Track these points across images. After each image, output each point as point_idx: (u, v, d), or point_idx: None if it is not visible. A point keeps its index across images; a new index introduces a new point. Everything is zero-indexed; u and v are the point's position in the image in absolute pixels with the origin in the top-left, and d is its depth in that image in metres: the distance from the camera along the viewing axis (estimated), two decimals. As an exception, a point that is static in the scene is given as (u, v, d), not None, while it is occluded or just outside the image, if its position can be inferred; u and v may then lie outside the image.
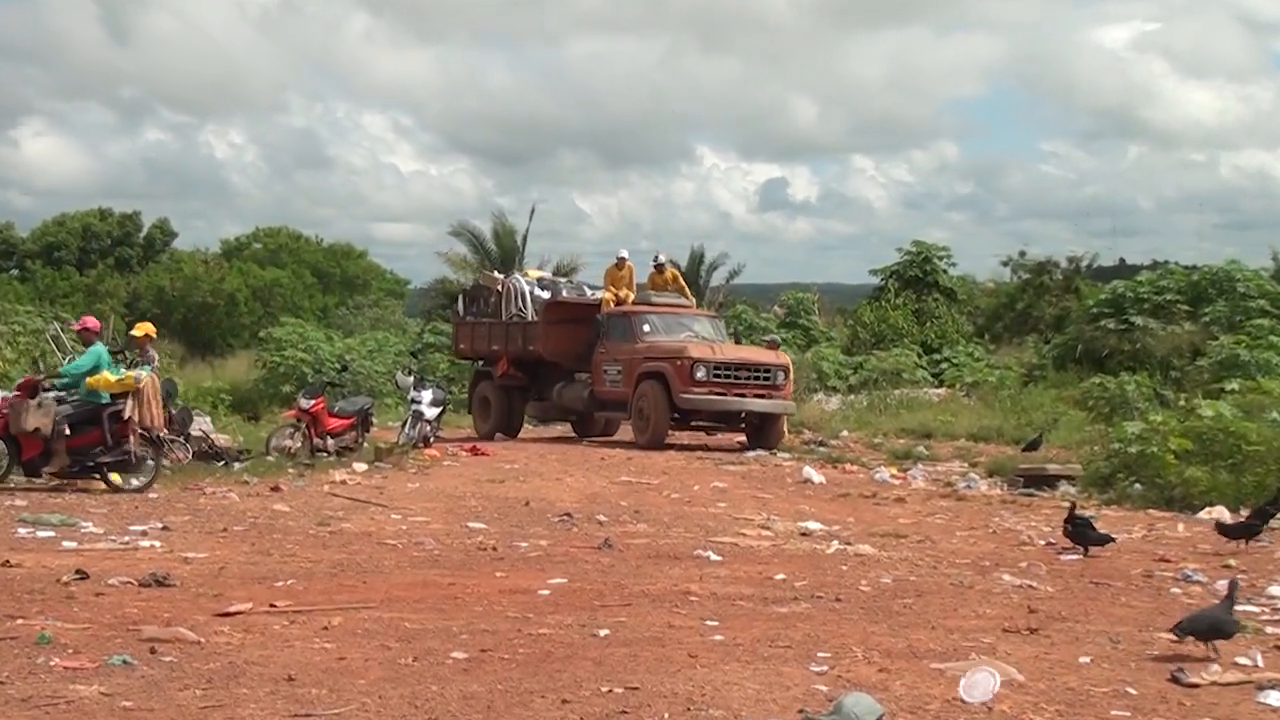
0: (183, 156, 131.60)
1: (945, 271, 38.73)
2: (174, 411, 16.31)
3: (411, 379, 19.65)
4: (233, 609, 7.38)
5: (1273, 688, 6.04)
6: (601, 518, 12.22)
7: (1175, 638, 6.82)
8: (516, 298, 21.89)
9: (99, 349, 13.72)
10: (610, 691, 5.71)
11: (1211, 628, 6.74)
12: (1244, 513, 12.12)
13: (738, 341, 21.70)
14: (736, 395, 19.07)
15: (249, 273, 55.01)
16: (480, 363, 22.84)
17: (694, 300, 22.12)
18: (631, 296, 21.07)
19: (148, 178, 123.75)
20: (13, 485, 13.28)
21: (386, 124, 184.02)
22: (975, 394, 27.51)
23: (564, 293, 22.12)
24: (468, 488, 14.30)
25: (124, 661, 6.10)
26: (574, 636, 6.95)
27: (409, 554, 9.92)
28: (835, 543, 10.98)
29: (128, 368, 14.05)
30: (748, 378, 19.21)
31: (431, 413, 18.64)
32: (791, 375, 20.08)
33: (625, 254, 21.76)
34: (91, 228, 57.73)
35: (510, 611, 7.62)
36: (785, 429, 19.98)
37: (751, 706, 5.52)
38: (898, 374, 30.21)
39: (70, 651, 6.30)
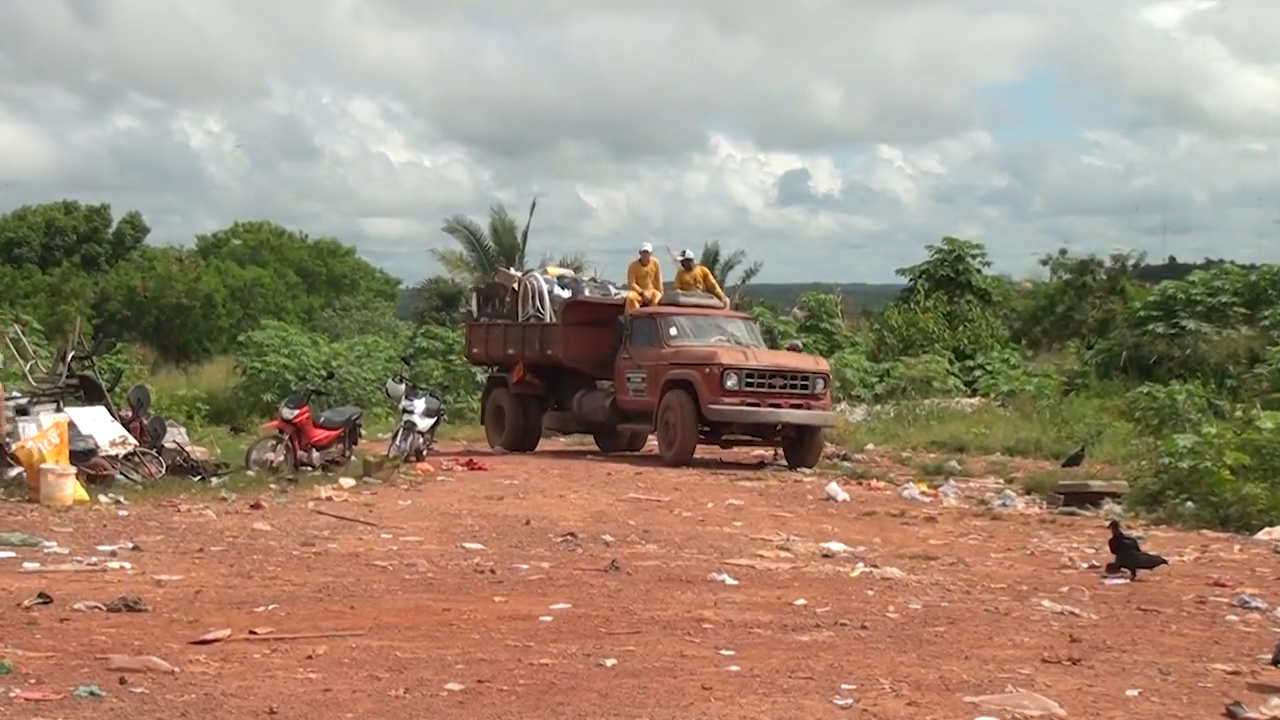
0: (155, 145, 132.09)
1: (979, 271, 38.72)
2: (146, 422, 16.34)
3: (403, 387, 19.66)
4: (209, 636, 7.38)
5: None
6: (608, 538, 12.21)
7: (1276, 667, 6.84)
8: (534, 297, 21.62)
9: None
10: (617, 727, 5.70)
11: None
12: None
13: (773, 346, 21.33)
14: (771, 405, 18.74)
15: (227, 272, 55.14)
16: (495, 368, 22.63)
17: (726, 300, 21.87)
18: (658, 296, 20.74)
19: (117, 168, 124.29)
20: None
21: (376, 111, 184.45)
22: (1011, 404, 27.47)
23: (586, 292, 21.80)
24: (464, 505, 14.29)
25: (91, 693, 6.09)
26: (578, 666, 6.94)
27: (400, 577, 9.90)
28: (860, 565, 10.95)
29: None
30: (783, 386, 18.90)
31: (425, 423, 18.64)
32: (830, 383, 19.75)
33: (650, 247, 21.43)
34: (55, 223, 57.88)
35: (509, 639, 7.61)
36: (823, 443, 19.69)
37: (770, 743, 5.50)
38: (927, 382, 30.18)
39: (32, 682, 6.29)
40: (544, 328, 21.24)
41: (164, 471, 15.55)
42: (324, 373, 26.64)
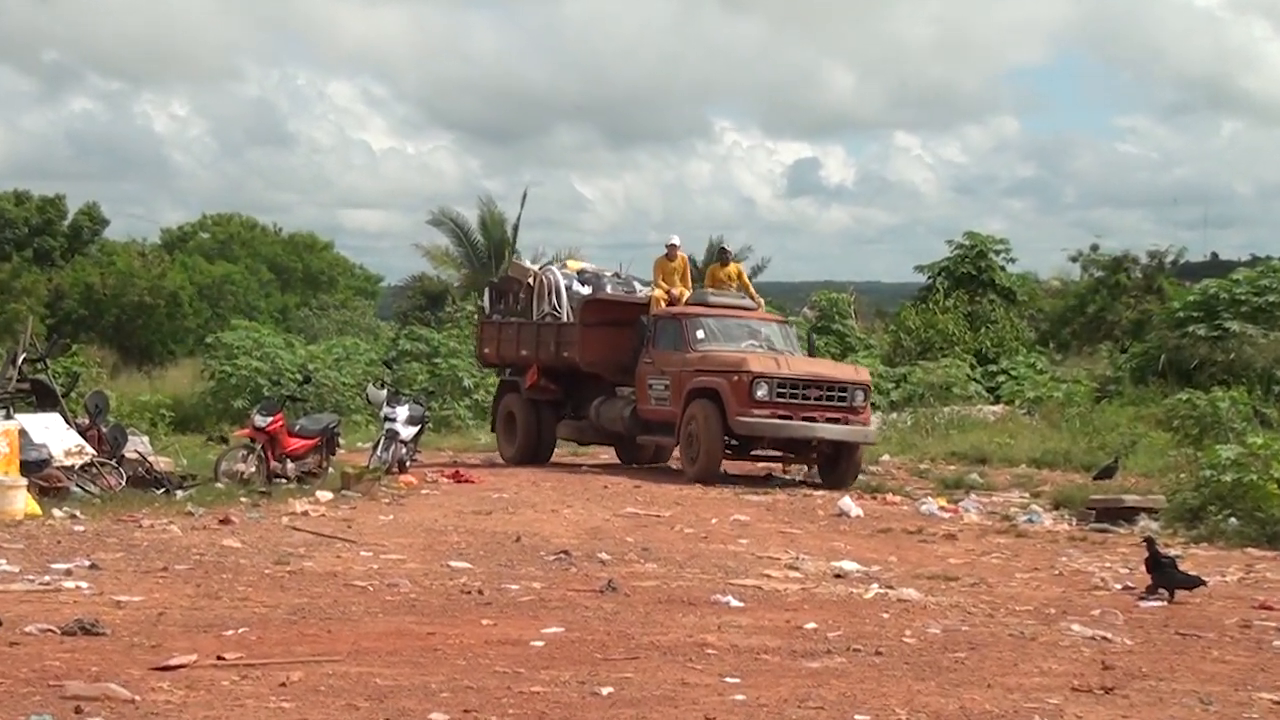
0: (115, 131, 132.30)
1: (1003, 268, 38.73)
2: (104, 430, 16.33)
3: (385, 393, 19.64)
4: (173, 662, 7.37)
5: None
6: (604, 556, 12.21)
7: None
8: (550, 293, 21.23)
9: None
10: (614, 761, 5.69)
11: None
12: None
13: (811, 353, 20.80)
14: (805, 419, 18.30)
15: (194, 267, 55.12)
16: (507, 371, 22.33)
17: (761, 301, 21.42)
18: (686, 294, 20.37)
19: (73, 155, 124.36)
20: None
21: (355, 94, 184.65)
22: (1038, 412, 27.45)
23: (608, 289, 21.41)
24: (449, 520, 14.29)
25: (45, 723, 6.08)
26: (572, 695, 6.94)
27: (381, 598, 9.89)
28: (875, 586, 10.96)
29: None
30: (819, 397, 18.50)
31: (408, 432, 18.64)
32: (871, 395, 19.33)
33: (677, 241, 21.07)
34: (5, 213, 57.77)
35: (498, 665, 7.61)
36: (862, 461, 19.20)
37: (779, 780, 5.50)
38: (947, 388, 30.17)
39: (-16, 711, 6.28)
40: (560, 327, 20.88)
41: (124, 483, 15.54)
42: (299, 377, 26.55)
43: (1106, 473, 18.28)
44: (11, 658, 7.47)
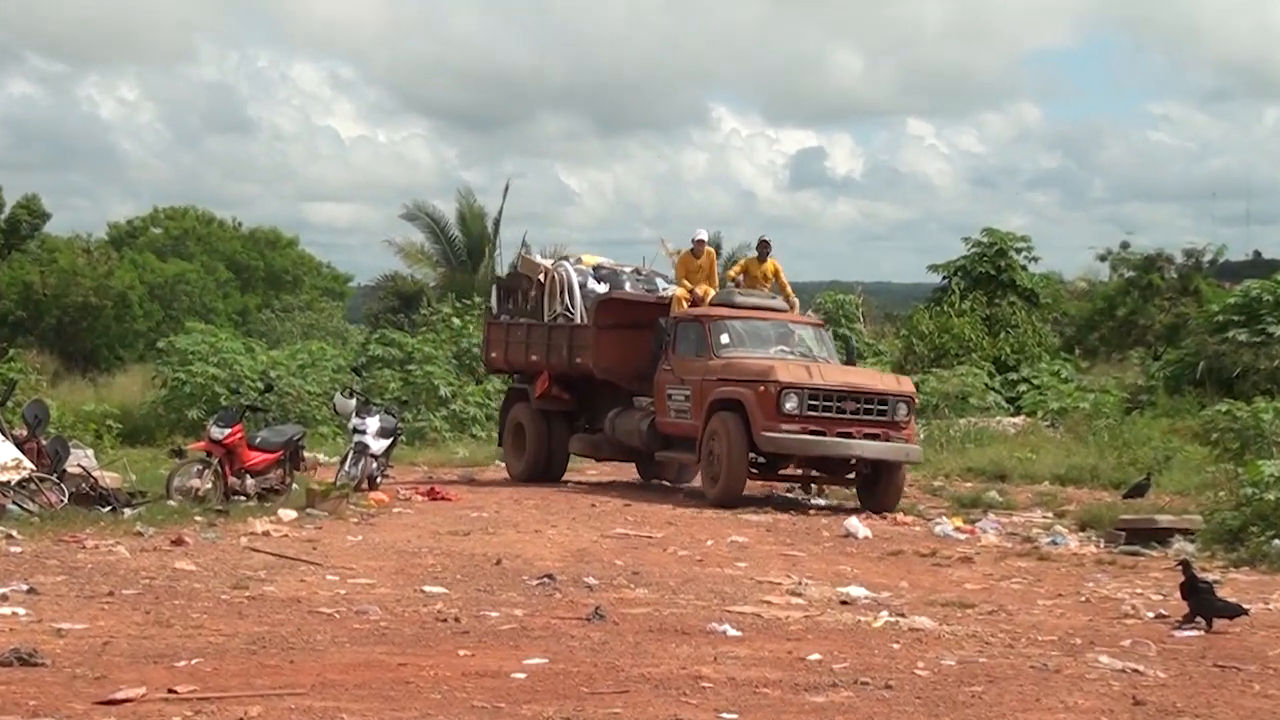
0: (57, 116, 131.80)
1: (1025, 268, 38.75)
2: (44, 442, 16.28)
3: (354, 402, 19.62)
4: (120, 695, 7.36)
5: None
6: (591, 580, 12.21)
7: None
8: (562, 292, 20.85)
9: None
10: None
11: None
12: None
13: (850, 361, 20.22)
14: (840, 434, 17.80)
15: (145, 265, 55.06)
16: (515, 378, 22.14)
17: (796, 302, 20.83)
18: (712, 293, 20.05)
19: (11, 143, 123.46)
20: None
21: (321, 76, 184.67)
22: (1063, 424, 27.50)
23: (627, 286, 21.07)
24: (424, 541, 14.29)
25: (-18, 763, 6.07)
26: (555, 733, 6.92)
27: (348, 626, 9.89)
28: (884, 614, 10.96)
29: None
30: (856, 410, 18.00)
31: (378, 445, 18.63)
32: (915, 408, 19.03)
33: (704, 235, 20.84)
34: (-66, 207, 57.77)
35: (476, 699, 7.61)
36: (905, 482, 18.75)
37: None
38: (964, 398, 30.22)
39: (-86, 750, 6.27)
40: (573, 329, 20.52)
41: (66, 501, 15.50)
42: (260, 385, 26.57)
43: (1138, 490, 18.30)
44: (-56, 691, 7.46)
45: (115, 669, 8.15)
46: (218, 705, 7.28)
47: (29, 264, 53.12)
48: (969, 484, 21.16)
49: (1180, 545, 14.98)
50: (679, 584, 12.24)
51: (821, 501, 19.39)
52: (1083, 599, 12.15)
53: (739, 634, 9.95)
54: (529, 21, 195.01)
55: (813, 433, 17.79)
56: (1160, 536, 15.33)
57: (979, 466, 22.68)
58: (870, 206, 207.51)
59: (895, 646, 9.64)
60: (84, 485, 16.01)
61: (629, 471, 22.11)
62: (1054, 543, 15.53)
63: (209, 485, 16.55)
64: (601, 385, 20.47)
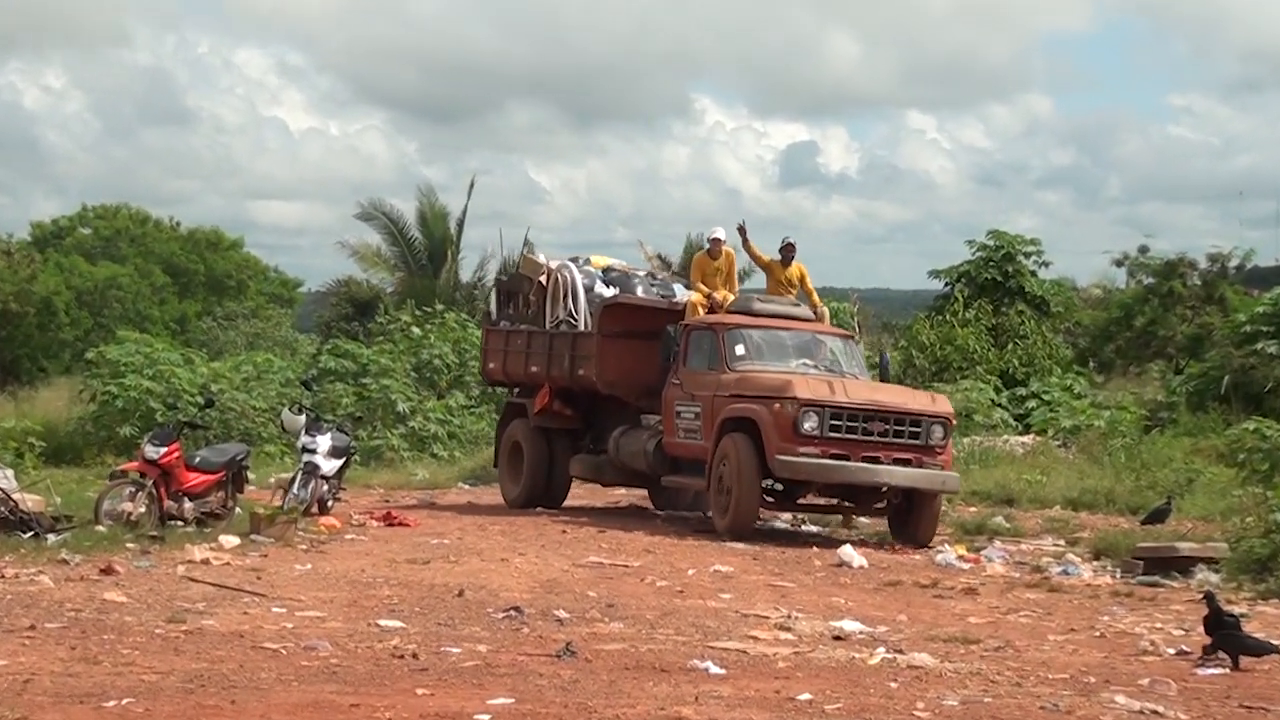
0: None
1: (1034, 274, 38.85)
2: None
3: (303, 419, 19.58)
4: (46, 739, 7.32)
5: None
6: (561, 614, 12.21)
7: None
8: (566, 296, 20.54)
9: None
10: None
11: None
12: None
13: (884, 378, 20.06)
14: (866, 459, 17.40)
15: (72, 269, 54.93)
16: (515, 391, 21.84)
17: (825, 310, 20.60)
18: (730, 299, 19.72)
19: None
20: None
21: (268, 63, 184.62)
22: (1076, 444, 27.55)
23: (639, 290, 20.71)
24: (379, 571, 14.28)
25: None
26: (521, 780, 6.91)
27: (296, 663, 9.86)
28: (881, 650, 10.97)
29: None
30: (885, 432, 17.59)
31: (330, 465, 18.60)
32: (953, 430, 18.69)
33: (721, 234, 20.32)
34: None
35: (433, 745, 7.58)
36: (940, 513, 18.37)
37: None
38: (968, 415, 30.22)
39: None
40: (576, 337, 20.20)
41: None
42: (200, 400, 26.48)
43: (1157, 516, 18.32)
44: None
45: (38, 709, 8.11)
46: (152, 750, 7.25)
47: (-59, 268, 53.04)
48: (973, 508, 21.17)
49: (1204, 575, 15.03)
50: (657, 617, 12.23)
51: (814, 528, 19.40)
52: (1097, 634, 12.17)
53: (722, 672, 9.93)
54: (495, 3, 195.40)
55: (835, 457, 17.36)
56: (1182, 566, 15.38)
57: (984, 489, 22.69)
58: (867, 206, 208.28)
59: (893, 685, 9.64)
60: (3, 509, 15.94)
61: (640, 498, 21.95)
62: (1066, 573, 15.57)
63: (142, 509, 16.50)
64: (608, 401, 20.21)
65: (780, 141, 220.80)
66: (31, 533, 15.43)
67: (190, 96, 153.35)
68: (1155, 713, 8.96)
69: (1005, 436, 29.39)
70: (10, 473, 17.89)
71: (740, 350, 18.49)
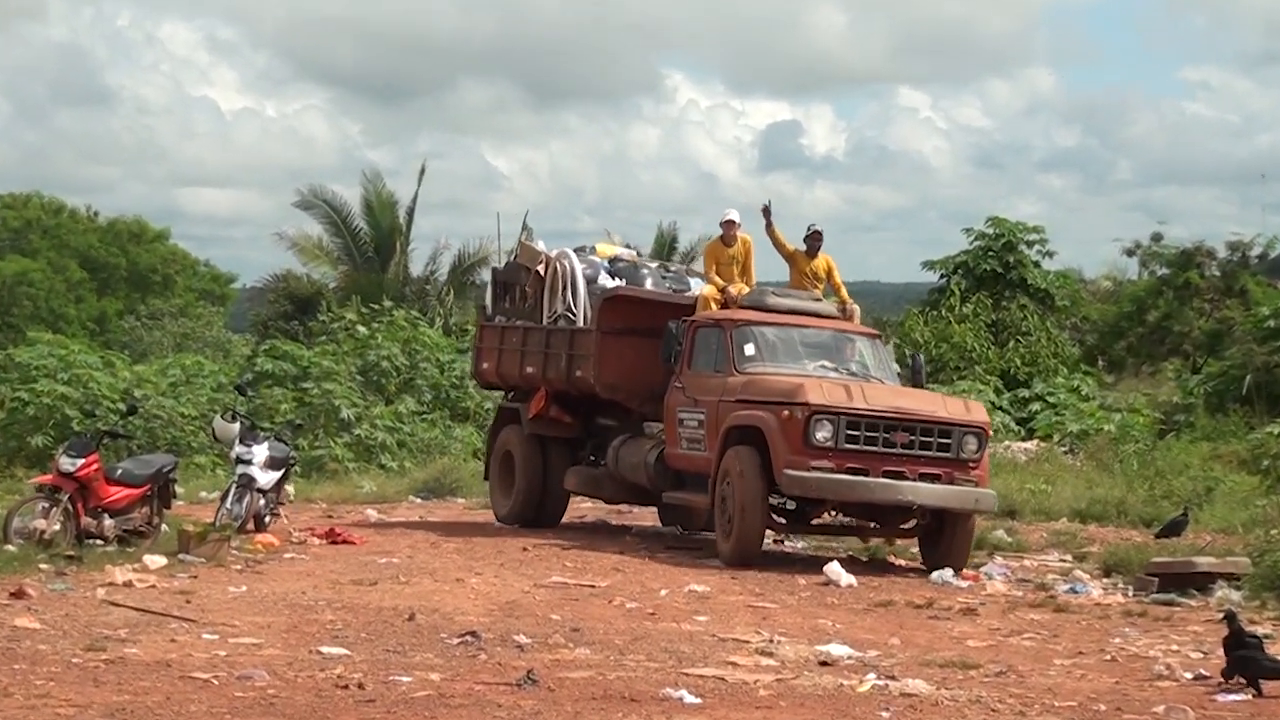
0: None
1: (1038, 265, 39.01)
2: None
3: (237, 427, 19.52)
4: (-48, 781, 7.30)
5: None
6: (522, 639, 12.20)
7: None
8: (565, 288, 20.13)
9: None
10: None
11: None
12: None
13: (916, 382, 19.17)
14: (888, 474, 16.82)
15: (-21, 264, 54.84)
16: (509, 394, 21.53)
17: (855, 308, 19.79)
18: (744, 290, 19.07)
19: None
20: None
21: (197, 38, 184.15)
22: (1084, 450, 27.64)
23: (648, 283, 20.33)
24: (322, 593, 14.27)
25: None
26: (477, 821, 6.91)
27: (228, 694, 9.84)
28: (871, 676, 10.98)
29: None
30: (910, 444, 16.98)
31: (267, 478, 18.54)
32: (988, 441, 17.97)
33: (736, 216, 19.55)
34: None
35: (380, 783, 7.58)
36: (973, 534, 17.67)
37: None
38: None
39: None
40: (574, 334, 19.77)
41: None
42: (122, 407, 26.39)
43: (1173, 528, 18.37)
44: None
45: (-56, 748, 8.08)
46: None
47: None
48: (973, 521, 21.22)
49: (1224, 593, 15.07)
50: (627, 642, 12.24)
51: (800, 544, 19.38)
52: (1107, 657, 12.20)
53: (698, 701, 9.95)
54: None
55: (851, 471, 16.77)
56: (1200, 583, 15.41)
57: (984, 500, 22.76)
58: (855, 191, 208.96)
59: (884, 715, 9.67)
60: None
61: (648, 516, 21.59)
62: (1073, 591, 15.60)
63: (57, 526, 16.42)
64: (609, 406, 19.85)
65: (760, 121, 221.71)
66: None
67: (110, 74, 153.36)
68: (1171, 743, 9.00)
69: (1006, 442, 29.45)
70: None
71: (750, 350, 17.94)
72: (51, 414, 29.36)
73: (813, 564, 17.09)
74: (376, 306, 35.63)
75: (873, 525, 18.04)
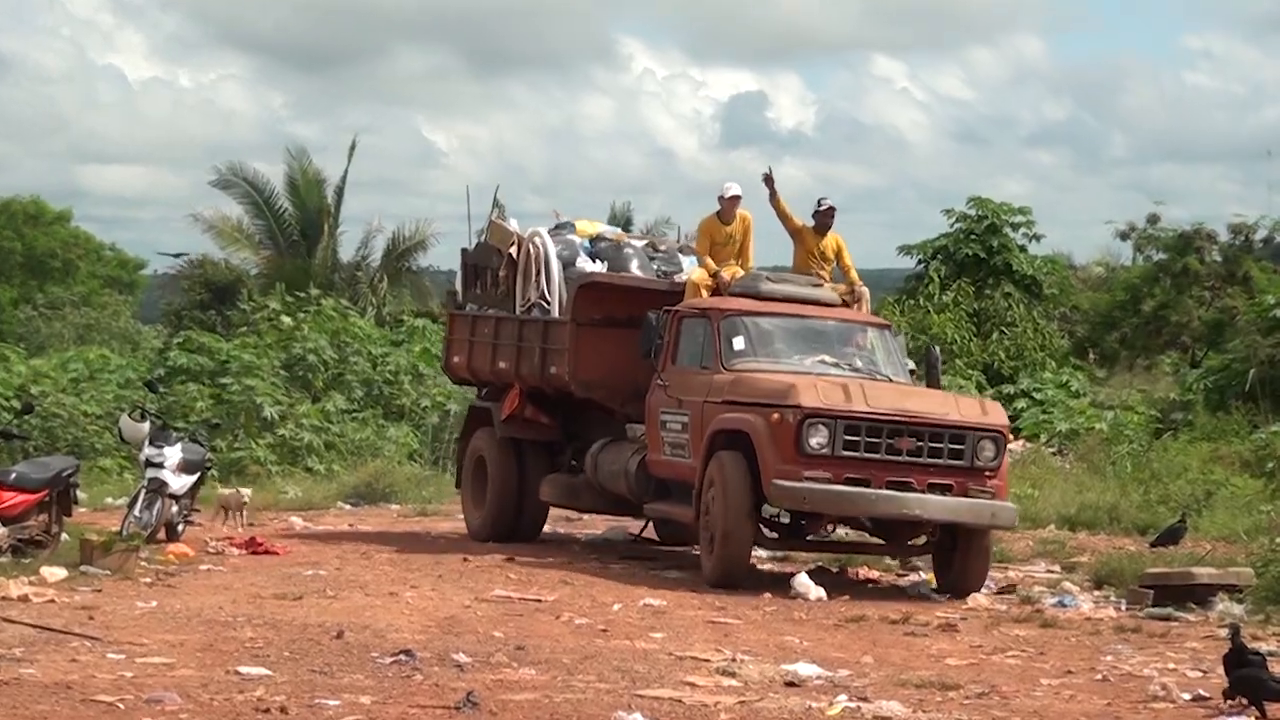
0: None
1: (1024, 249, 39.15)
2: None
3: (147, 426, 19.47)
4: None
5: None
6: (461, 658, 12.19)
7: None
8: (539, 273, 19.57)
9: None
10: None
11: None
12: None
13: (931, 380, 18.59)
14: (892, 484, 16.28)
15: None
16: (482, 391, 21.17)
17: (865, 292, 19.28)
18: (738, 274, 18.57)
19: None
20: None
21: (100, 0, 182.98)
22: (1073, 451, 27.75)
23: (633, 266, 19.78)
24: (241, 608, 14.23)
25: None
26: None
27: (135, 719, 9.81)
28: (842, 698, 11.00)
29: None
30: (918, 450, 16.41)
31: (179, 482, 18.50)
32: (1007, 447, 17.30)
33: (737, 190, 19.01)
34: None
35: (304, 816, 7.57)
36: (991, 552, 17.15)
37: None
38: (947, 418, 30.45)
39: None
40: (548, 325, 19.29)
41: None
42: (17, 405, 26.30)
43: (1170, 536, 18.48)
44: None
45: None
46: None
47: None
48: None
49: (1225, 606, 15.14)
50: (575, 661, 12.25)
51: (763, 553, 19.31)
52: (1099, 677, 12.24)
53: (653, 726, 9.96)
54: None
55: (851, 481, 16.30)
56: (1199, 595, 15.48)
57: (965, 506, 22.84)
58: (825, 169, 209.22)
59: (857, 740, 9.68)
60: None
61: (599, 523, 21.54)
62: (1062, 604, 15.67)
63: (-54, 537, 16.40)
64: (590, 407, 19.39)
65: (722, 92, 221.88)
66: None
67: (3, 39, 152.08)
68: (1168, 769, 9.05)
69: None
70: None
71: (739, 343, 17.45)
72: (-62, 414, 29.24)
73: (779, 576, 17.11)
74: (302, 294, 35.45)
75: (877, 542, 17.66)
